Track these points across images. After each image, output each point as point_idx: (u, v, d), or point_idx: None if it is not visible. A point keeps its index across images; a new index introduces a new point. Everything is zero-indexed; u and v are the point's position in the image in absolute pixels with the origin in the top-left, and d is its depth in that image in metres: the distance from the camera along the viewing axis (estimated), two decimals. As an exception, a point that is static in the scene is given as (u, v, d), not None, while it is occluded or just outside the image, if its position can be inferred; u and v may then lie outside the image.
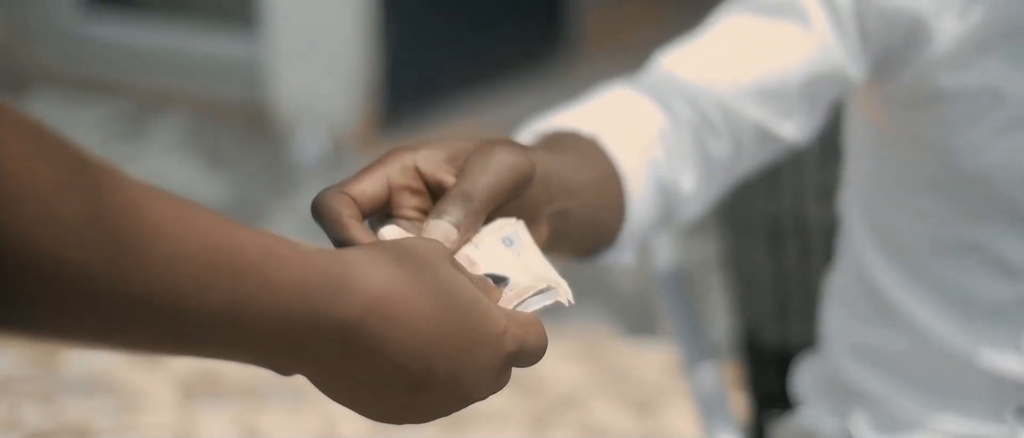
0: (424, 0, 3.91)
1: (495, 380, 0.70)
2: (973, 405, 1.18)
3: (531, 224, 0.81)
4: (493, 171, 0.76)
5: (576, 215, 0.88)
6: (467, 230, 0.75)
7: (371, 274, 0.65)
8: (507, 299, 0.74)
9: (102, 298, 0.56)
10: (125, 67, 4.15)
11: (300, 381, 2.65)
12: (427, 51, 3.91)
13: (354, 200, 0.75)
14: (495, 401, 2.51)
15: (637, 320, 2.79)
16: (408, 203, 0.77)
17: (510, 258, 0.76)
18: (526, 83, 4.22)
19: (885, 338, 1.22)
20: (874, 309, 1.23)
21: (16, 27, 4.28)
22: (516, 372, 2.65)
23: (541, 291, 0.74)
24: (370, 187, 0.75)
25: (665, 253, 1.44)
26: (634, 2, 4.98)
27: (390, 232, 0.75)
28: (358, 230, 0.74)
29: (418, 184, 0.77)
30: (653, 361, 2.64)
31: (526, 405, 2.52)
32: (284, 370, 0.65)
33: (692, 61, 1.09)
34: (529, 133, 1.01)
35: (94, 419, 2.44)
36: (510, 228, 0.77)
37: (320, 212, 0.74)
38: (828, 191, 1.42)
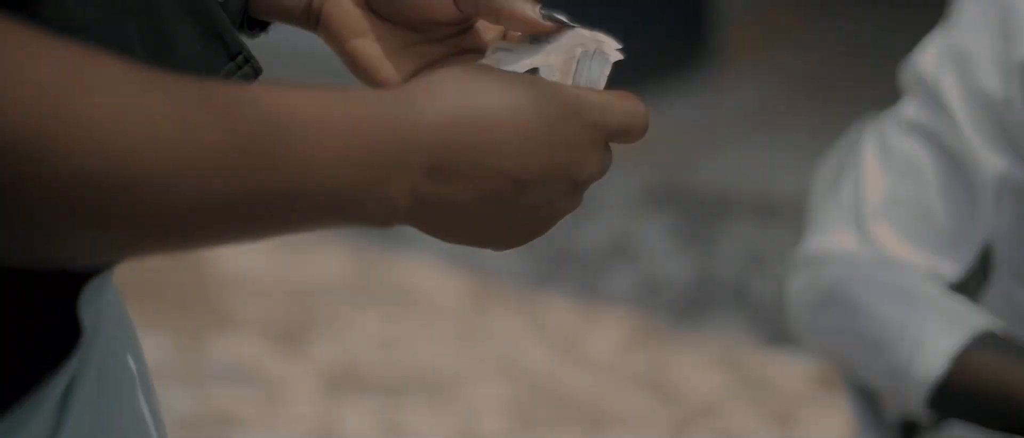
0: (567, 7, 3.92)
1: (597, 156, 0.69)
2: None
3: None
4: None
5: None
6: None
7: (436, 96, 0.65)
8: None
9: (233, 214, 0.59)
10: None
11: (442, 377, 2.66)
12: (572, 55, 3.93)
13: None
14: (634, 406, 2.52)
15: (778, 330, 2.78)
16: None
17: (538, 51, 0.74)
18: (668, 91, 4.22)
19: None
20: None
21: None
22: (655, 378, 2.63)
23: (583, 55, 0.72)
24: None
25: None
26: (777, 14, 4.95)
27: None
28: None
29: None
30: (794, 372, 2.63)
31: (665, 411, 2.51)
32: (384, 222, 0.65)
33: (849, 227, 1.16)
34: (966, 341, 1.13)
35: (239, 407, 2.48)
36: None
37: None
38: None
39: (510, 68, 0.73)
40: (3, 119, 0.51)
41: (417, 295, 2.84)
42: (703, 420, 2.49)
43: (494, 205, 0.67)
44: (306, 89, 0.62)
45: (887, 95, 2.07)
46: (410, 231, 0.69)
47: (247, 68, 0.71)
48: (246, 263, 2.92)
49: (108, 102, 0.54)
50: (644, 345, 2.71)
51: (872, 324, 1.19)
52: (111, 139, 0.54)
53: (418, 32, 0.76)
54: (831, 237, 1.21)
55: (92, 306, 0.69)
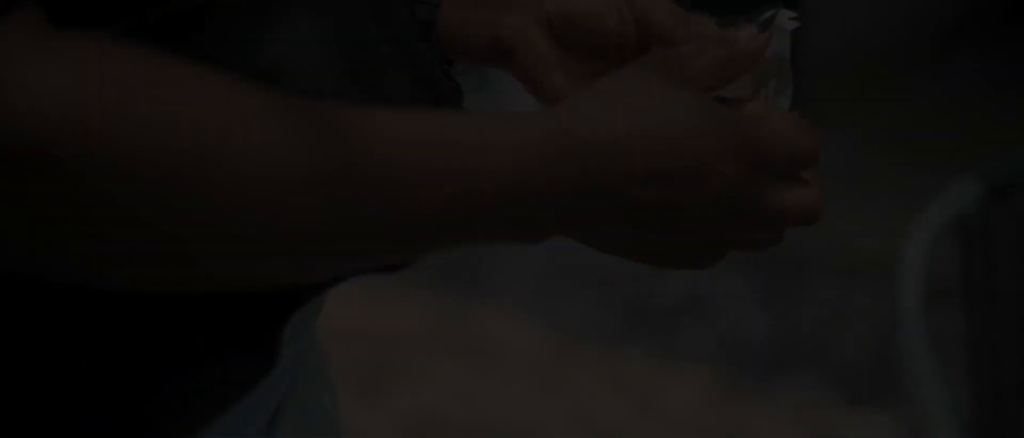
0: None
1: (747, 174, 0.68)
2: None
3: None
4: None
5: None
6: None
7: (589, 117, 0.65)
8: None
9: (340, 242, 0.60)
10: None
11: (520, 430, 2.63)
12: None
13: None
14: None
15: (857, 390, 2.75)
16: None
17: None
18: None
19: None
20: None
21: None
22: (733, 437, 2.60)
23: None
24: None
25: (912, 321, 1.43)
26: (866, 71, 4.93)
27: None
28: None
29: None
30: (874, 432, 2.60)
31: (743, 470, 2.50)
32: (533, 238, 0.65)
33: None
34: None
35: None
36: None
37: None
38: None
39: None
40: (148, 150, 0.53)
41: (495, 347, 2.84)
42: (781, 480, 2.47)
43: (645, 222, 0.66)
44: (426, 115, 0.63)
45: (977, 156, 2.05)
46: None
47: None
48: (324, 310, 2.93)
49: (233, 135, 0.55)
50: (722, 403, 2.69)
51: None
52: (240, 182, 0.55)
53: (603, 60, 0.76)
54: None
55: (298, 339, 0.70)
